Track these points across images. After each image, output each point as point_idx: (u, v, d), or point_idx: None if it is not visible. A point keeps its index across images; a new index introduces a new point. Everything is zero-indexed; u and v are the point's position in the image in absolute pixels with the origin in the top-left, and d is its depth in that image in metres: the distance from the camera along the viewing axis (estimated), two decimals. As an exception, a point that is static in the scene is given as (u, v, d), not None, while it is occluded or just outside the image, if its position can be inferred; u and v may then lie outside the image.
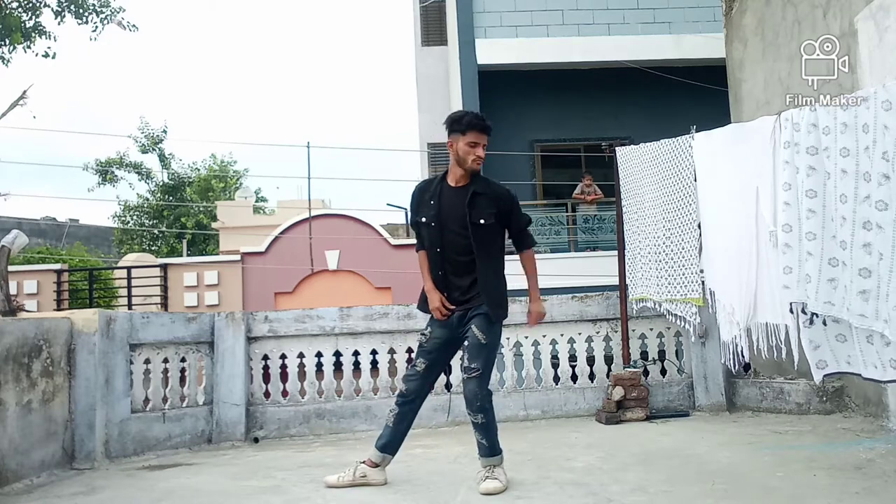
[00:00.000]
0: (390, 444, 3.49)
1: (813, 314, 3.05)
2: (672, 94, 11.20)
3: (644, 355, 5.53)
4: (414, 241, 3.73)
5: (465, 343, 3.40)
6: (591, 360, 5.55)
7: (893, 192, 2.75)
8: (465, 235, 3.35)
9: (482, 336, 3.33)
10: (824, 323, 3.03)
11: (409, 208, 3.59)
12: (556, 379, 5.48)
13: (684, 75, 10.79)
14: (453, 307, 3.40)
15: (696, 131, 4.49)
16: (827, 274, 3.00)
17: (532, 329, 5.49)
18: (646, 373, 5.41)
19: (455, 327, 3.42)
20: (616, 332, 5.51)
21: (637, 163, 5.29)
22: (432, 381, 3.61)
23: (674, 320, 5.01)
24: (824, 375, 3.10)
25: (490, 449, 3.36)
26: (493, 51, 11.22)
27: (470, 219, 3.34)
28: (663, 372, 5.49)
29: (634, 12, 11.47)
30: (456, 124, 3.38)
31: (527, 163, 12.59)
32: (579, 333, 5.54)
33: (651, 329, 5.54)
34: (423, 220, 3.45)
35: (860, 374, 3.03)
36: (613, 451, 4.10)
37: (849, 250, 2.91)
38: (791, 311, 3.11)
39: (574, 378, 5.49)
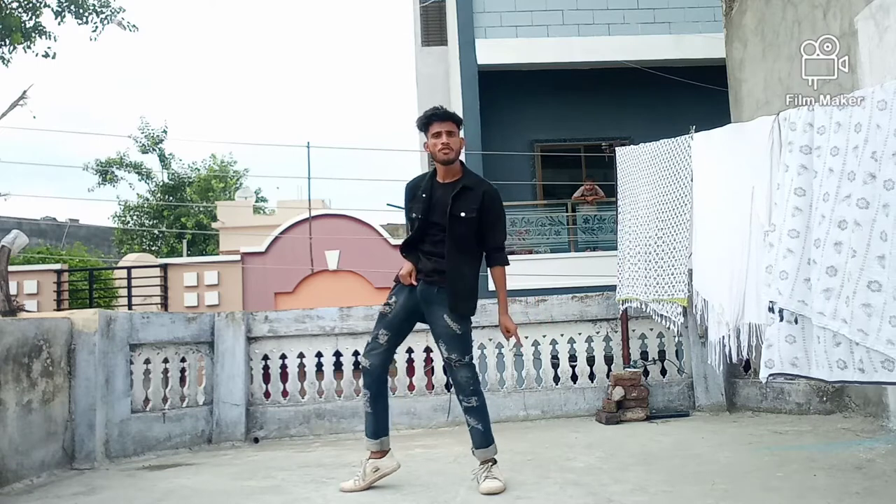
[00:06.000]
0: (380, 427, 3.47)
1: (781, 311, 3.04)
2: (672, 94, 11.19)
3: (644, 355, 5.53)
4: None
5: (437, 333, 3.43)
6: (591, 360, 5.55)
7: (877, 191, 2.76)
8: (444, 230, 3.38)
9: (456, 326, 3.37)
10: (795, 321, 3.02)
11: (404, 205, 3.63)
12: (556, 379, 5.48)
13: (684, 75, 10.78)
14: (419, 279, 3.43)
15: (696, 131, 4.49)
16: (804, 273, 3.00)
17: (531, 329, 5.49)
18: (646, 373, 5.41)
19: (419, 300, 3.44)
20: (616, 332, 5.51)
21: (636, 163, 5.28)
22: (393, 354, 3.62)
23: (659, 320, 5.00)
24: (769, 375, 3.09)
25: (484, 435, 3.37)
26: (493, 51, 11.20)
27: (451, 211, 3.34)
28: (663, 372, 5.49)
29: (634, 12, 11.45)
30: (419, 124, 3.48)
31: (527, 163, 12.58)
32: (579, 333, 5.54)
33: (651, 329, 5.54)
34: (415, 215, 3.46)
35: (805, 376, 3.04)
36: (613, 451, 4.10)
37: (821, 248, 2.92)
38: (771, 311, 3.10)
39: (574, 378, 5.49)
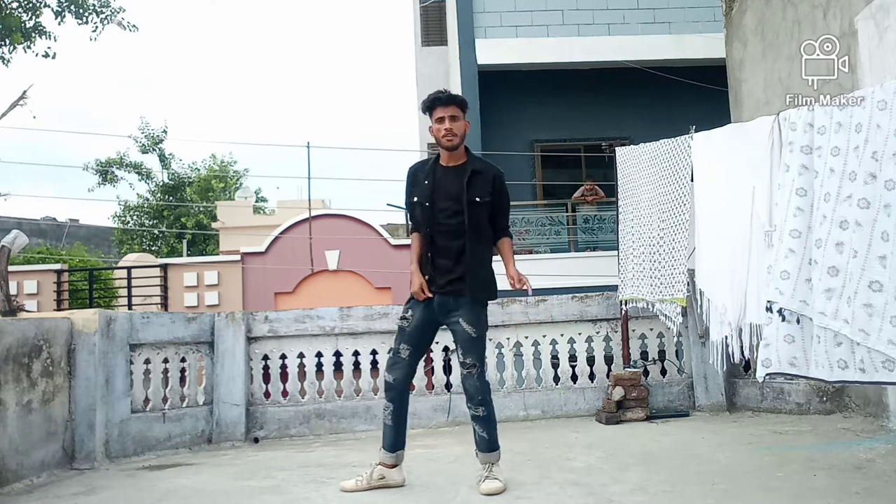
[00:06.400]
0: (399, 441, 3.44)
1: (781, 311, 3.04)
2: (672, 94, 11.20)
3: (644, 355, 5.53)
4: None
5: (455, 337, 3.41)
6: (591, 360, 5.55)
7: (878, 192, 2.76)
8: (458, 215, 3.34)
9: (472, 329, 3.34)
10: (797, 321, 3.02)
11: (405, 189, 3.58)
12: (556, 379, 5.47)
13: (684, 75, 10.78)
14: (433, 292, 3.38)
15: (696, 131, 4.49)
16: (806, 273, 3.00)
17: (531, 329, 5.49)
18: (646, 373, 5.41)
19: (436, 312, 3.41)
20: (616, 332, 5.51)
21: (636, 163, 5.29)
22: (416, 367, 3.55)
23: (664, 320, 4.99)
24: (766, 374, 3.09)
25: (490, 443, 3.36)
26: (493, 51, 11.21)
27: (468, 196, 3.33)
28: (663, 372, 5.49)
29: (634, 12, 11.46)
30: (423, 108, 3.45)
31: (527, 163, 12.59)
32: (579, 333, 5.54)
33: (651, 329, 5.54)
34: (416, 199, 3.43)
35: (804, 376, 3.04)
36: (613, 451, 4.10)
37: (822, 249, 2.93)
38: (769, 310, 3.11)
39: (574, 378, 5.49)
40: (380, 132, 61.35)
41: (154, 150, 24.79)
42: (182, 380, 5.08)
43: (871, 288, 2.75)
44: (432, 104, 3.39)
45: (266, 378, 5.34)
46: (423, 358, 5.35)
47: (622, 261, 5.39)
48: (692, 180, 4.48)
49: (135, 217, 25.36)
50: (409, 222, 3.59)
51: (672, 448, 4.14)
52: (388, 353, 3.45)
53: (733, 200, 3.75)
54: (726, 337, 3.80)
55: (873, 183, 2.78)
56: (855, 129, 2.89)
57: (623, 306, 5.36)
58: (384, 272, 12.05)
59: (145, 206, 24.87)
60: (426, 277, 3.41)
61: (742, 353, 3.72)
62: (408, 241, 12.77)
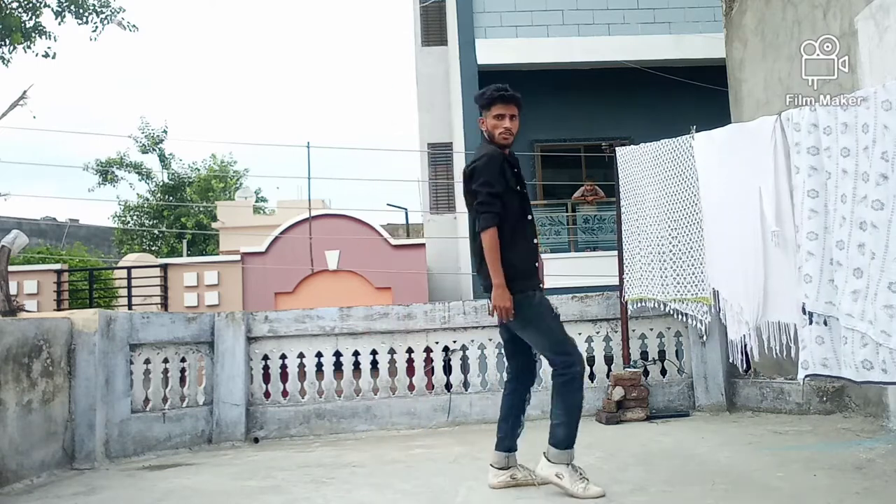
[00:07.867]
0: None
1: (810, 315, 3.05)
2: (672, 94, 11.19)
3: (644, 355, 5.52)
4: (415, 241, 3.62)
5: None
6: (591, 361, 5.54)
7: (890, 192, 2.76)
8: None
9: None
10: (825, 323, 3.03)
11: (493, 176, 3.21)
12: (557, 379, 5.46)
13: (684, 75, 10.78)
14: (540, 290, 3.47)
15: (697, 131, 4.49)
16: (828, 275, 3.00)
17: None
18: (646, 373, 5.41)
19: None
20: (616, 332, 5.51)
21: (637, 163, 5.28)
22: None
23: (684, 319, 4.97)
24: (806, 376, 3.11)
25: None
26: (494, 51, 11.20)
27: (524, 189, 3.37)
28: (663, 372, 5.49)
29: (634, 12, 11.45)
30: (481, 102, 3.31)
31: (527, 163, 12.56)
32: (579, 333, 5.53)
33: (651, 329, 5.54)
34: (520, 188, 3.31)
35: (835, 376, 3.06)
36: (613, 451, 4.10)
37: (845, 250, 2.92)
38: (804, 311, 3.12)
39: (574, 378, 5.47)
40: (380, 132, 61.36)
41: (154, 150, 24.80)
42: (182, 380, 5.08)
43: (890, 289, 2.74)
44: (494, 100, 3.25)
45: (266, 378, 5.34)
46: (424, 358, 5.38)
47: (628, 260, 5.38)
48: (698, 180, 4.47)
49: (135, 217, 25.37)
50: (493, 212, 3.18)
51: (672, 448, 4.14)
52: (567, 343, 3.49)
53: (740, 200, 3.75)
54: (744, 336, 3.80)
55: (885, 184, 2.77)
56: (862, 129, 2.89)
57: (631, 306, 5.34)
58: (384, 272, 12.05)
59: (145, 206, 24.88)
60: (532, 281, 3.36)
61: (748, 352, 3.72)
62: (408, 242, 12.79)
